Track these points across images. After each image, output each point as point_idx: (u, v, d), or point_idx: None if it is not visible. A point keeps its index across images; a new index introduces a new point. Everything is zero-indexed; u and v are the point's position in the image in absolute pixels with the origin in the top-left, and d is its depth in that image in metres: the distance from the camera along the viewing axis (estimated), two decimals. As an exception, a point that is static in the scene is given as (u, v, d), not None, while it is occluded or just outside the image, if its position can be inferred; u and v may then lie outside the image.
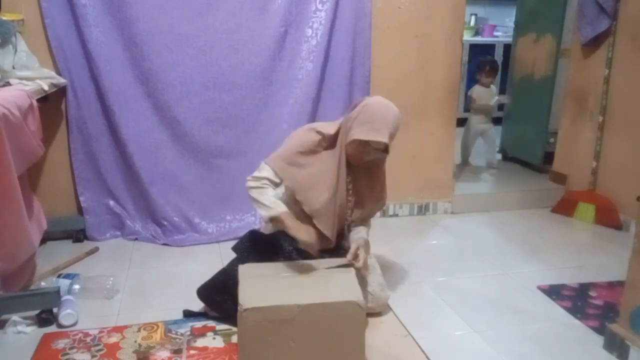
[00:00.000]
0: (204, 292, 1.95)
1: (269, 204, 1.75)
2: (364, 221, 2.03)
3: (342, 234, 1.98)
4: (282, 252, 1.83)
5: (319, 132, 1.86)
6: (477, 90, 3.91)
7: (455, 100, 3.11)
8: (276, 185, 1.85)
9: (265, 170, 1.83)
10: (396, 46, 2.89)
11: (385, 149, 1.83)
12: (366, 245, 1.92)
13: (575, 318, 2.03)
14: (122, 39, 2.53)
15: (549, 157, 3.66)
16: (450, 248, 2.71)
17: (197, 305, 1.99)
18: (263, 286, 1.63)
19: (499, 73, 4.05)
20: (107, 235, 2.73)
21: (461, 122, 3.85)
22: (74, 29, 2.48)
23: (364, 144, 1.78)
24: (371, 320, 1.96)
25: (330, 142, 1.87)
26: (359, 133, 1.76)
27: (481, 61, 3.99)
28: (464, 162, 3.89)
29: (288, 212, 1.75)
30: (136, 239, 2.72)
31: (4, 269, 1.87)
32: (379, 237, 2.78)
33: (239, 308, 1.50)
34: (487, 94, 3.88)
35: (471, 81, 5.43)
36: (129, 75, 2.58)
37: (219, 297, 1.90)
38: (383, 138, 1.75)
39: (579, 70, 3.32)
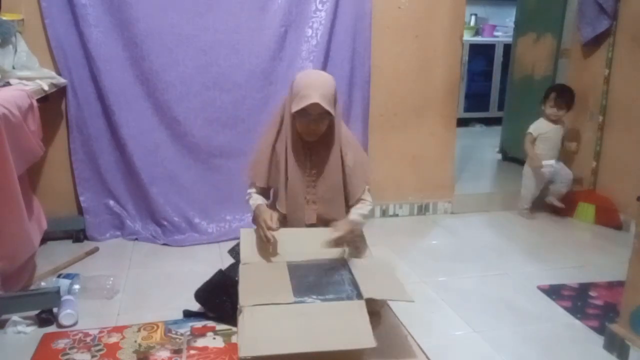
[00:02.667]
0: (202, 295, 1.95)
1: (252, 203, 1.94)
2: (355, 199, 1.96)
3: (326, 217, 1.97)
4: None
5: (268, 124, 1.98)
6: (539, 127, 3.09)
7: (455, 100, 3.11)
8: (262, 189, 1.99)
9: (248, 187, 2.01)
10: (396, 46, 2.89)
11: (327, 112, 1.78)
12: (351, 225, 1.85)
13: (575, 318, 2.03)
14: (122, 39, 2.53)
15: (549, 157, 3.66)
16: (450, 248, 2.71)
17: (197, 305, 1.98)
18: (266, 322, 1.54)
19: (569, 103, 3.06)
20: (107, 235, 2.73)
21: (461, 122, 3.86)
22: (74, 29, 2.48)
23: (303, 114, 1.79)
24: (371, 320, 1.96)
25: (279, 128, 1.94)
26: (294, 106, 1.78)
27: (551, 86, 3.23)
28: (529, 207, 3.17)
29: (261, 204, 1.91)
30: (136, 239, 2.72)
31: (4, 269, 1.87)
32: (379, 237, 2.78)
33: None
34: (554, 134, 3.09)
35: (471, 81, 5.47)
36: (129, 75, 2.58)
37: (218, 299, 1.91)
38: (313, 99, 1.73)
39: (579, 70, 3.32)
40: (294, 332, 1.50)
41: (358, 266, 1.78)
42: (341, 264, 1.78)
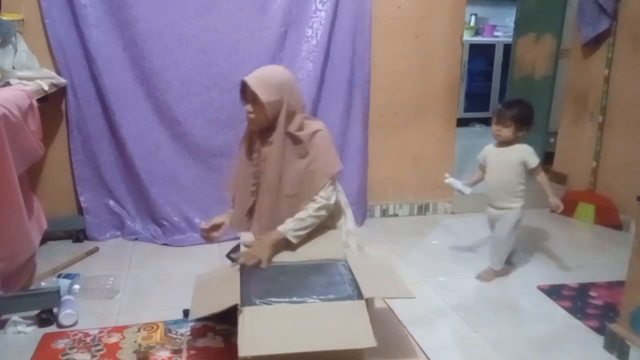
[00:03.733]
0: None
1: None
2: (313, 193, 1.84)
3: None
4: None
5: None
6: (484, 150, 2.38)
7: (455, 100, 3.11)
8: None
9: None
10: (396, 46, 2.89)
11: (257, 98, 1.78)
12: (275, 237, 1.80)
13: (575, 318, 2.03)
14: (122, 39, 2.53)
15: (549, 157, 3.66)
16: (450, 248, 2.70)
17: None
18: (266, 321, 1.52)
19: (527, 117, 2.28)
20: (107, 235, 2.73)
21: (461, 122, 3.85)
22: (74, 29, 2.48)
23: (242, 98, 1.88)
24: (371, 320, 1.96)
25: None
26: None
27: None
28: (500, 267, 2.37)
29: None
30: (136, 239, 2.72)
31: (4, 269, 1.87)
32: (379, 237, 2.79)
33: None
34: (498, 162, 2.29)
35: (471, 81, 5.47)
36: (129, 75, 2.58)
37: None
38: (243, 78, 1.81)
39: (579, 70, 3.32)
40: (294, 332, 1.50)
41: (359, 265, 1.78)
42: (341, 263, 1.78)
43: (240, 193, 1.96)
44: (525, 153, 2.24)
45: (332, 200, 1.86)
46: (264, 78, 1.81)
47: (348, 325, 1.53)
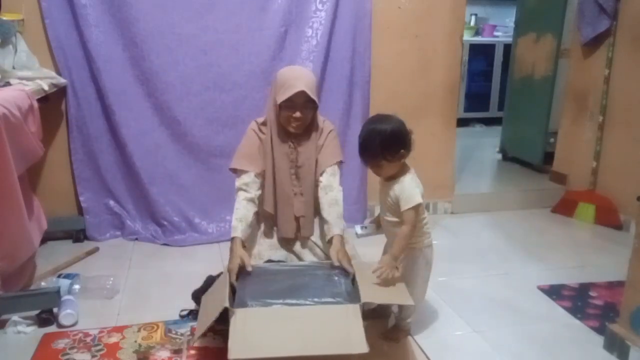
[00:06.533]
0: (200, 297, 1.95)
1: (234, 223, 1.86)
2: (324, 168, 1.95)
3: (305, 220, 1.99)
4: None
5: (255, 122, 2.01)
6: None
7: (455, 100, 3.11)
8: (254, 183, 1.93)
9: (239, 179, 1.95)
10: (396, 46, 2.89)
11: (312, 101, 1.86)
12: (341, 242, 1.85)
13: (575, 318, 2.03)
14: (122, 39, 2.53)
15: (549, 157, 3.66)
16: (450, 248, 2.70)
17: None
18: (257, 324, 1.52)
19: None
20: (107, 235, 2.73)
21: (461, 122, 3.86)
22: (74, 29, 2.48)
23: (289, 105, 1.84)
24: (371, 320, 1.96)
25: (265, 125, 1.99)
26: (280, 97, 1.84)
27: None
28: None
29: (239, 238, 1.82)
30: (136, 239, 2.72)
31: (4, 269, 1.87)
32: (379, 237, 2.78)
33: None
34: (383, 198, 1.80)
35: (471, 81, 5.48)
36: (129, 75, 2.58)
37: None
38: (299, 88, 1.81)
39: (579, 70, 3.32)
40: (285, 335, 1.48)
41: (363, 269, 1.76)
42: (342, 268, 1.77)
43: (281, 201, 1.97)
44: (399, 190, 1.72)
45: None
46: (310, 82, 1.87)
47: (341, 330, 1.50)
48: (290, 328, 1.51)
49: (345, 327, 1.51)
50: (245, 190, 1.91)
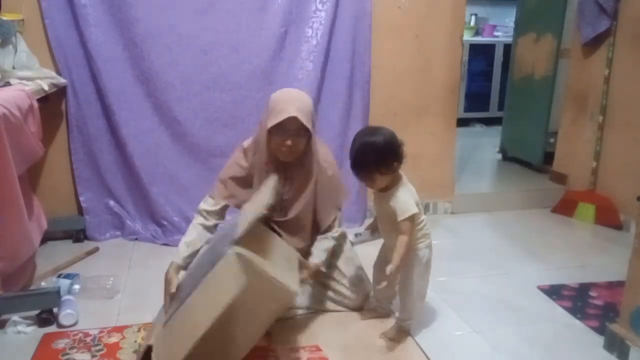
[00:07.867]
0: None
1: (181, 246, 1.80)
2: (325, 226, 1.92)
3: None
4: None
5: (241, 147, 1.88)
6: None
7: (455, 100, 3.11)
8: (217, 214, 1.86)
9: (205, 203, 1.86)
10: (396, 46, 2.89)
11: (304, 129, 1.69)
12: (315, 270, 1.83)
13: (575, 318, 2.03)
14: (122, 39, 2.53)
15: (549, 157, 3.66)
16: (450, 248, 2.70)
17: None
18: (163, 343, 1.59)
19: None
20: (107, 235, 2.73)
21: (461, 122, 3.85)
22: (74, 29, 2.48)
23: (280, 130, 1.67)
24: (371, 320, 1.96)
25: (254, 149, 1.84)
26: (270, 122, 1.67)
27: None
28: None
29: (178, 265, 1.75)
30: (136, 239, 2.72)
31: (4, 269, 1.87)
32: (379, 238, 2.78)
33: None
34: (378, 212, 1.86)
35: (471, 81, 5.48)
36: (129, 75, 2.58)
37: None
38: (291, 113, 1.64)
39: (579, 70, 3.32)
40: (182, 333, 1.49)
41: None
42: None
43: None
44: (393, 202, 1.73)
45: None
46: (304, 107, 1.69)
47: (221, 283, 1.44)
48: (184, 324, 1.52)
49: (224, 277, 1.45)
50: (204, 217, 1.84)
